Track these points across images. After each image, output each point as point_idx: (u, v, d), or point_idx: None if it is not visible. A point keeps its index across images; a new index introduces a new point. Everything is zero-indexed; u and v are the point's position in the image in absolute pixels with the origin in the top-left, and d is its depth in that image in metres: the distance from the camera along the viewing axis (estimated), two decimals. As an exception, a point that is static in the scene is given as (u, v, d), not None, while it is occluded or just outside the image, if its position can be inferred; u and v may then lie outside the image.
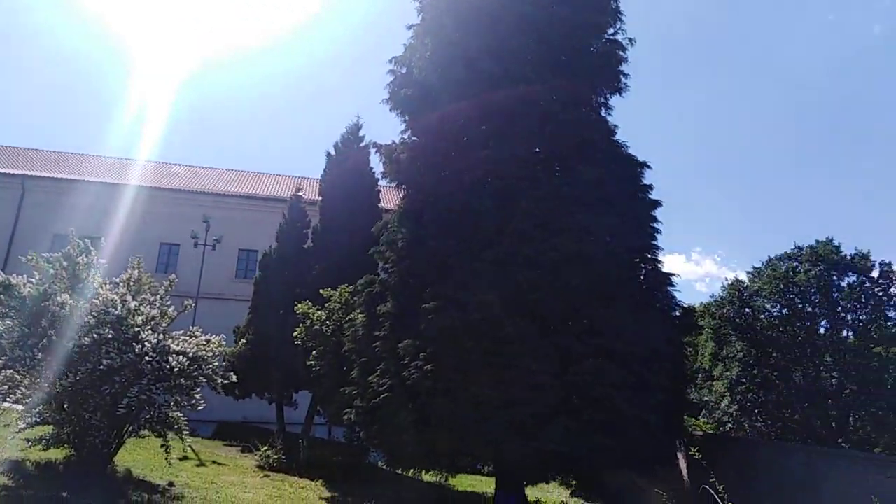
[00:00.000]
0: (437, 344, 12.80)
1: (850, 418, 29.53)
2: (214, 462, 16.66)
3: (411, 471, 15.98)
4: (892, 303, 29.81)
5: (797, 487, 11.67)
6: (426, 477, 17.16)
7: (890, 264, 29.77)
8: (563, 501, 15.91)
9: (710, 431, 25.81)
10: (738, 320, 30.80)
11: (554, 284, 12.90)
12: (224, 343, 12.73)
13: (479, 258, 13.39)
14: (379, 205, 24.54)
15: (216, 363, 12.07)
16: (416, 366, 12.84)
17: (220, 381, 12.12)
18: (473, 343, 12.57)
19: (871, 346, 28.74)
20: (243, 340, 22.41)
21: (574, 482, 15.86)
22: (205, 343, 12.08)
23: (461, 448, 13.31)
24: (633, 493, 16.42)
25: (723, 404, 29.71)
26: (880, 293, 29.65)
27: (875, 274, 29.87)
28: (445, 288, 13.49)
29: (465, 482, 18.90)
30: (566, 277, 12.93)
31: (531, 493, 16.42)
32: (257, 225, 34.30)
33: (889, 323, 29.70)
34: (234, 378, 12.87)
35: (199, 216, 32.25)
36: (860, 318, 29.83)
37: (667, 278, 14.97)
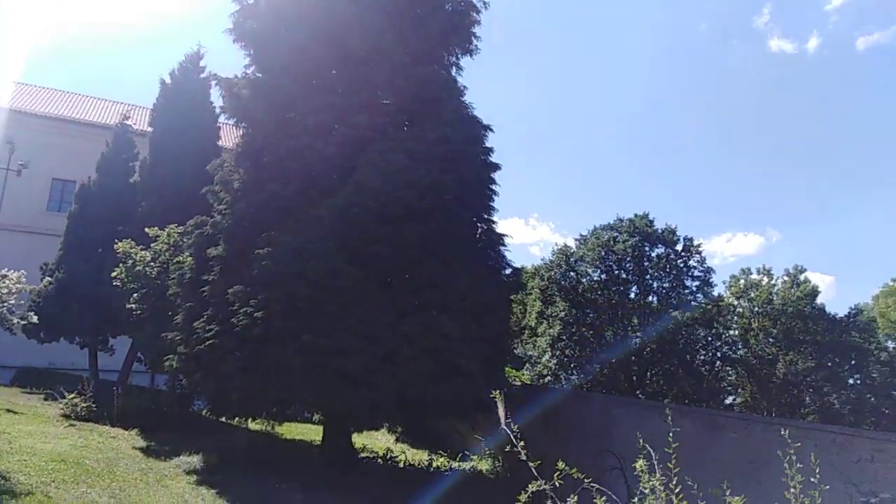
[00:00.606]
0: (270, 290, 12.44)
1: (648, 373, 33.53)
2: (9, 411, 15.03)
3: (236, 419, 15.58)
4: (690, 273, 33.93)
5: (595, 430, 13.06)
6: (253, 425, 16.85)
7: (692, 240, 33.78)
8: (388, 448, 16.46)
9: (528, 382, 27.91)
10: (563, 283, 33.36)
11: (394, 237, 13.02)
12: (25, 280, 11.39)
13: (320, 206, 13.12)
14: (218, 142, 23.03)
15: (12, 301, 10.80)
16: (247, 312, 12.41)
17: (17, 321, 10.87)
18: (309, 291, 12.38)
19: (670, 310, 32.63)
20: (49, 279, 20.19)
21: (400, 428, 16.43)
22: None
23: (290, 396, 13.19)
24: (455, 437, 17.46)
25: (544, 359, 32.24)
26: (682, 264, 33.60)
27: (679, 247, 33.75)
28: (282, 234, 13.10)
29: (294, 430, 18.86)
30: (407, 231, 13.10)
31: (358, 439, 16.80)
32: (77, 154, 30.61)
33: (686, 291, 33.85)
34: (36, 319, 11.60)
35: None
36: (664, 285, 33.66)
37: (500, 238, 15.72)
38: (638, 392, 31.66)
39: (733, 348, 36.40)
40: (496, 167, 15.70)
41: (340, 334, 12.06)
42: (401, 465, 15.13)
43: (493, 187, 15.66)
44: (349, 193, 13.12)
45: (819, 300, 37.15)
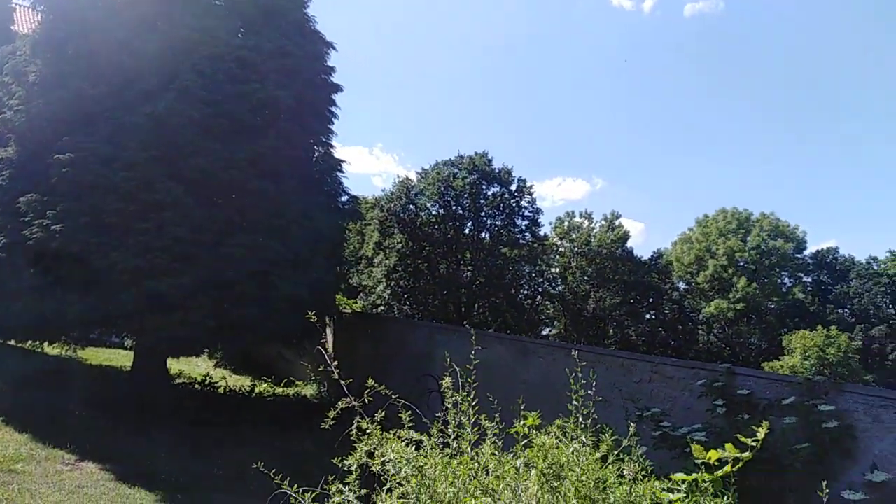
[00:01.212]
0: (73, 202, 11.12)
1: (476, 305, 35.37)
2: None
3: (29, 343, 14.03)
4: (521, 213, 35.77)
5: (420, 356, 13.55)
6: (51, 350, 15.30)
7: (525, 181, 35.44)
8: (207, 374, 15.84)
9: (361, 311, 28.23)
10: (402, 215, 33.62)
11: (221, 152, 12.13)
12: None
13: (136, 111, 11.79)
14: (12, 26, 19.66)
15: None
16: (42, 224, 11.01)
17: None
18: (119, 205, 11.24)
19: (501, 247, 34.36)
20: None
21: (221, 354, 15.87)
22: None
23: (95, 318, 12.10)
24: (281, 364, 17.26)
25: (378, 289, 32.62)
26: (514, 204, 35.28)
27: (513, 187, 35.33)
28: (90, 139, 11.64)
29: (101, 356, 17.44)
30: (235, 146, 12.26)
31: (175, 365, 15.97)
32: None
33: (516, 229, 35.75)
34: None
35: None
36: (496, 223, 35.22)
37: (339, 164, 15.32)
38: (465, 322, 33.37)
39: (553, 285, 39.49)
40: (338, 88, 15.11)
41: (155, 254, 11.16)
42: (221, 391, 14.67)
43: (334, 109, 15.11)
44: (171, 100, 11.90)
45: (629, 244, 41.30)
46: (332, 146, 15.20)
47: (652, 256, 41.66)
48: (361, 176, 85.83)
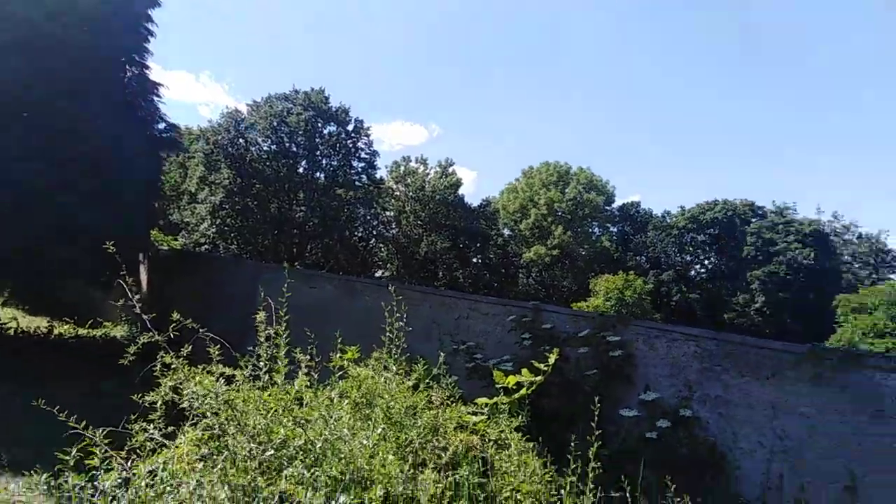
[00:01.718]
0: None
1: (309, 246, 34.77)
2: None
3: None
4: (358, 154, 35.38)
5: (245, 294, 13.12)
6: None
7: (362, 122, 34.94)
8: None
9: (181, 248, 26.51)
10: (230, 149, 31.69)
11: (11, 68, 10.49)
12: None
13: None
14: None
15: None
16: None
17: None
18: None
19: (336, 188, 33.86)
20: None
21: (10, 291, 14.14)
22: None
23: None
24: (86, 303, 15.77)
25: (203, 226, 30.75)
26: (351, 145, 34.76)
27: (350, 128, 34.71)
28: None
29: None
30: (28, 61, 10.65)
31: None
32: None
33: (353, 171, 35.36)
34: None
35: None
36: (332, 163, 34.55)
37: (155, 88, 13.99)
38: (296, 263, 32.72)
39: (387, 228, 39.94)
40: (155, 2, 13.62)
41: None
42: (10, 332, 13.12)
43: (150, 26, 13.63)
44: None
45: (461, 191, 42.80)
46: (147, 67, 13.78)
47: (481, 204, 43.63)
48: (186, 105, 78.91)
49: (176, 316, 4.08)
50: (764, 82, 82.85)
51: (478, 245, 42.93)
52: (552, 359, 4.76)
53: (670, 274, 44.94)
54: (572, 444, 4.19)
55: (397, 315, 4.76)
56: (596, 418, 4.30)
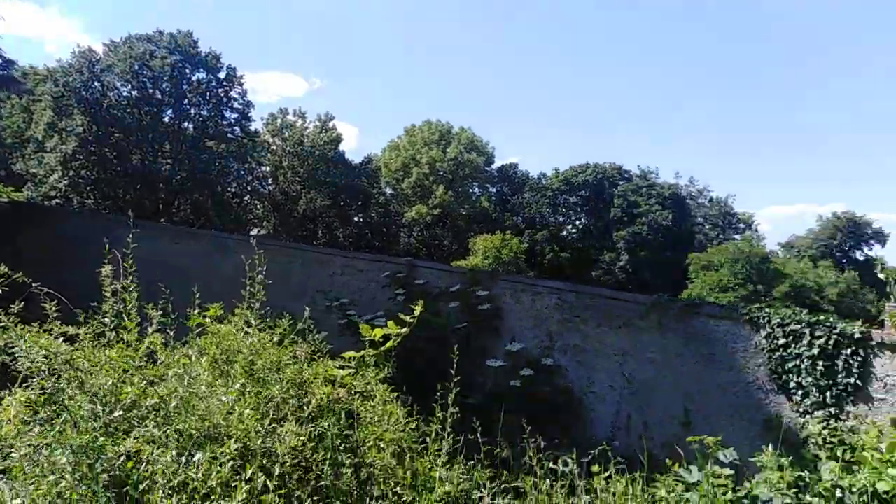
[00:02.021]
0: None
1: (177, 202, 32.71)
2: None
3: None
4: (230, 104, 33.44)
5: (97, 251, 12.16)
6: None
7: (235, 69, 32.98)
8: None
9: (24, 201, 23.94)
10: (84, 93, 28.77)
11: None
12: None
13: None
14: None
15: None
16: None
17: None
18: None
19: (206, 140, 31.91)
20: None
21: None
22: None
23: None
24: None
25: (53, 178, 27.96)
26: (223, 94, 32.75)
27: (222, 76, 32.64)
28: None
29: None
30: None
31: None
32: None
33: (225, 122, 33.44)
34: None
35: None
36: (202, 113, 32.44)
37: (-14, 17, 12.26)
38: (164, 220, 30.72)
39: (263, 184, 38.38)
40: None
41: None
42: None
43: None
44: None
45: (342, 147, 41.86)
46: (-27, -8, 12.03)
47: (363, 161, 43.01)
48: (29, 41, 70.41)
49: (3, 269, 3.70)
50: (634, 53, 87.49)
51: (359, 203, 42.44)
52: (417, 311, 4.84)
53: (544, 234, 47.01)
54: (438, 393, 4.33)
55: (260, 270, 4.62)
56: (464, 369, 4.45)
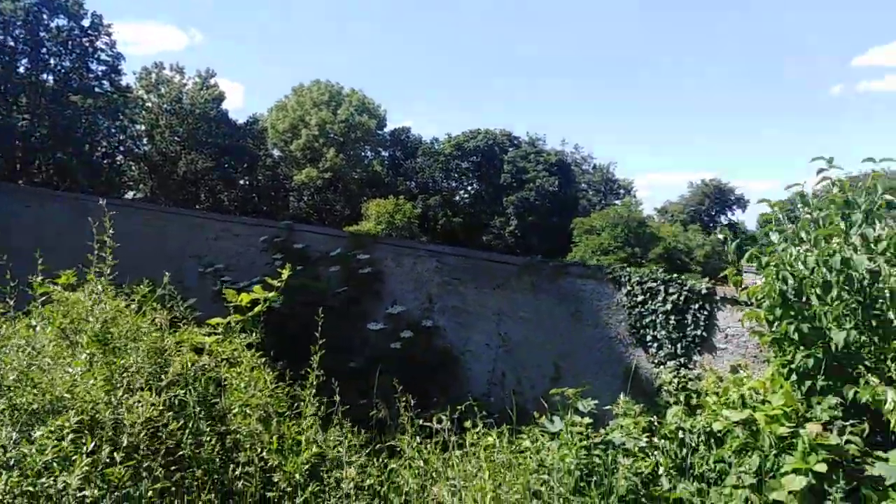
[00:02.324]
0: None
1: (37, 161, 29.83)
2: None
3: None
4: (97, 56, 30.68)
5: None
6: None
7: (101, 17, 30.16)
8: None
9: None
10: (-83, 36, 25.33)
11: None
12: None
13: None
14: None
15: None
16: None
17: None
18: None
19: (70, 94, 29.19)
20: None
21: None
22: None
23: None
24: None
25: None
26: (88, 44, 29.96)
27: (86, 23, 29.80)
28: None
29: None
30: None
31: None
32: None
33: (91, 75, 30.68)
34: None
35: None
36: (64, 64, 29.57)
37: None
38: (21, 181, 27.97)
39: (138, 143, 35.77)
40: None
41: None
42: None
43: None
44: None
45: (226, 106, 39.71)
46: None
47: (248, 121, 41.13)
48: None
49: None
50: (526, 20, 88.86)
51: (245, 166, 40.67)
52: (284, 275, 4.75)
53: (437, 199, 47.37)
54: (314, 358, 4.30)
55: (110, 232, 4.33)
56: (345, 333, 4.44)
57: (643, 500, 4.11)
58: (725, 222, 53.87)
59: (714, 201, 54.28)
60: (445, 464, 5.16)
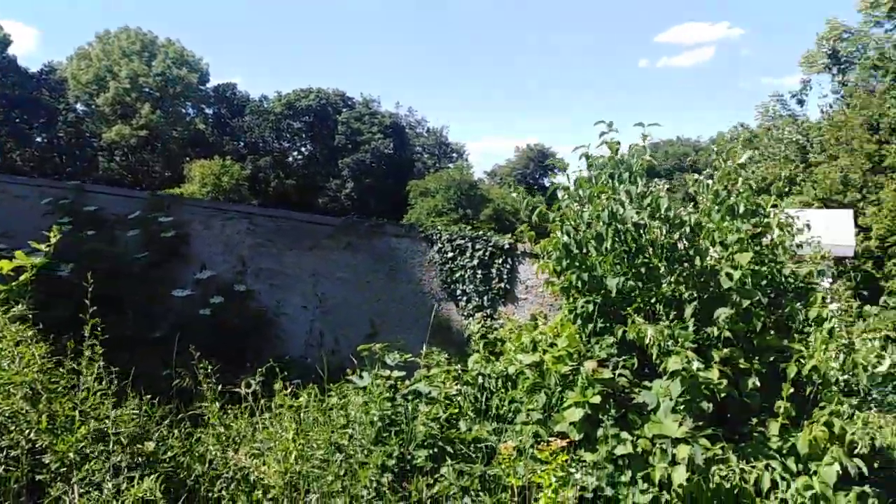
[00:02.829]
0: None
1: None
2: None
3: None
4: None
5: None
6: None
7: None
8: None
9: None
10: None
11: None
12: None
13: None
14: None
15: None
16: None
17: None
18: None
19: None
20: None
21: None
22: None
23: None
24: None
25: None
26: None
27: None
28: None
29: None
30: None
31: None
32: None
33: None
34: None
35: None
36: None
37: None
38: None
39: None
40: None
41: None
42: None
43: None
44: None
45: (13, 51, 34.48)
46: None
47: (42, 70, 36.10)
48: None
49: None
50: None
51: (42, 121, 35.83)
52: (53, 238, 4.29)
53: (268, 160, 45.38)
54: (86, 327, 3.93)
55: None
56: (143, 302, 4.09)
57: (440, 443, 4.33)
58: (547, 184, 57.76)
59: (538, 165, 57.78)
60: (255, 427, 5.06)
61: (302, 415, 5.12)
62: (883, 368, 3.83)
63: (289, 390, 5.29)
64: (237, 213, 7.91)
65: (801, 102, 25.33)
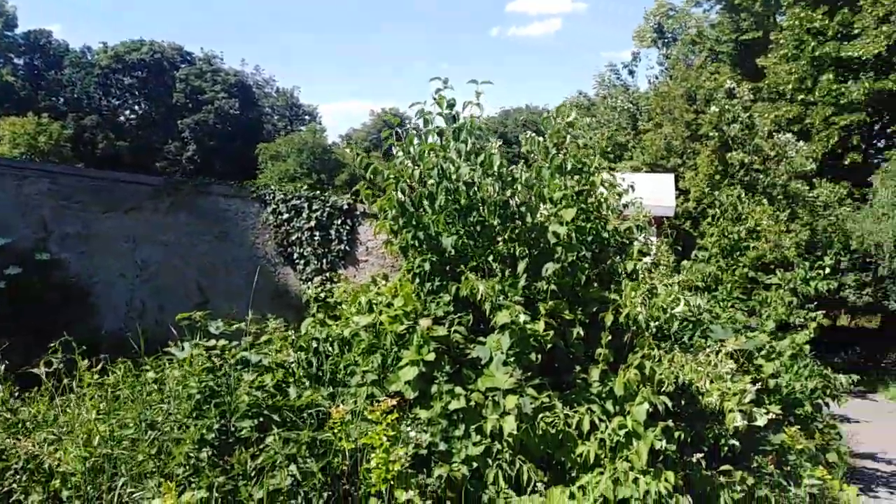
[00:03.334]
0: None
1: None
2: None
3: None
4: None
5: None
6: None
7: None
8: None
9: None
10: None
11: None
12: None
13: None
14: None
15: None
16: None
17: None
18: None
19: None
20: None
21: None
22: None
23: None
24: None
25: None
26: None
27: None
28: None
29: None
30: None
31: None
32: None
33: None
34: None
35: None
36: None
37: None
38: None
39: None
40: None
41: None
42: None
43: None
44: None
45: None
46: None
47: None
48: None
49: None
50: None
51: None
52: None
53: (94, 119, 40.89)
54: None
55: None
56: None
57: (266, 412, 4.09)
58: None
59: (393, 129, 57.41)
60: (56, 412, 4.51)
61: (113, 394, 4.64)
62: (679, 310, 4.13)
63: (98, 367, 4.76)
64: (35, 171, 6.85)
65: (632, 73, 27.37)
